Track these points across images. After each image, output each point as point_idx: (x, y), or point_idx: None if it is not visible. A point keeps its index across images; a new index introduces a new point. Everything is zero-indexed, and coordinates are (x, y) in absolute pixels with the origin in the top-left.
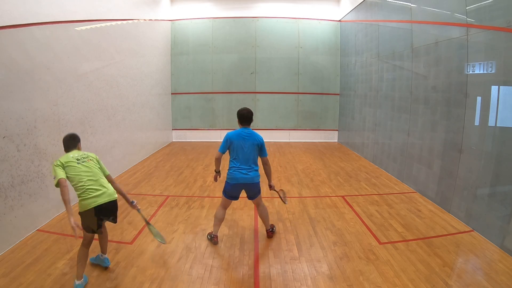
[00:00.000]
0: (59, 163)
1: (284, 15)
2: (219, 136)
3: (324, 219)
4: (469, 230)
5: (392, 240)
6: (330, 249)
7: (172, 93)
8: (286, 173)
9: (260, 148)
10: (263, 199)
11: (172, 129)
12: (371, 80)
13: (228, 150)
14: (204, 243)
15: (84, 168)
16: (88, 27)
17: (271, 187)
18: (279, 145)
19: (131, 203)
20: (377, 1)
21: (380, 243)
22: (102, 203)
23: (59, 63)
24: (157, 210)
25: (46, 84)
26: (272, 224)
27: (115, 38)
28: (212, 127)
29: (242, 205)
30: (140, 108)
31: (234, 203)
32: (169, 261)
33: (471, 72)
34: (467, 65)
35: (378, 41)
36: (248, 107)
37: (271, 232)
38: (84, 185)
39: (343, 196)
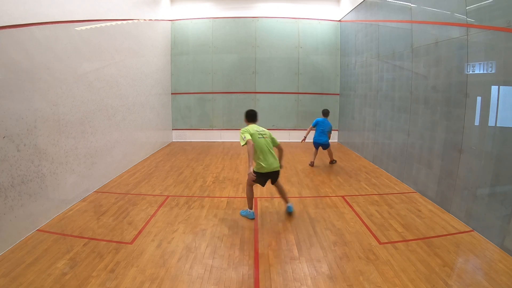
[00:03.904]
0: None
1: (284, 15)
2: (219, 136)
3: (324, 219)
4: (469, 230)
5: (392, 240)
6: (330, 249)
7: (172, 93)
8: (286, 173)
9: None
10: (264, 199)
11: (172, 129)
12: (371, 80)
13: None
14: (204, 243)
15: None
16: (88, 27)
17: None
18: None
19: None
20: (377, 1)
21: (380, 243)
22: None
23: (59, 63)
24: (157, 210)
25: (46, 84)
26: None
27: (115, 38)
28: (212, 127)
29: (242, 205)
30: (140, 108)
31: (234, 202)
32: (169, 261)
33: (471, 72)
34: (467, 65)
35: (378, 41)
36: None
37: None
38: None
39: (343, 196)
